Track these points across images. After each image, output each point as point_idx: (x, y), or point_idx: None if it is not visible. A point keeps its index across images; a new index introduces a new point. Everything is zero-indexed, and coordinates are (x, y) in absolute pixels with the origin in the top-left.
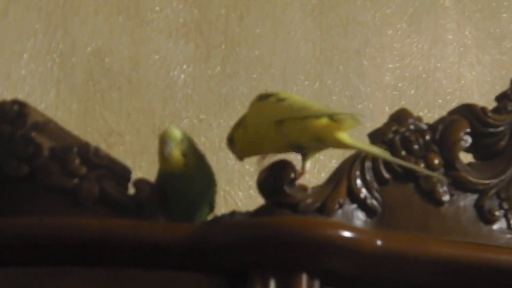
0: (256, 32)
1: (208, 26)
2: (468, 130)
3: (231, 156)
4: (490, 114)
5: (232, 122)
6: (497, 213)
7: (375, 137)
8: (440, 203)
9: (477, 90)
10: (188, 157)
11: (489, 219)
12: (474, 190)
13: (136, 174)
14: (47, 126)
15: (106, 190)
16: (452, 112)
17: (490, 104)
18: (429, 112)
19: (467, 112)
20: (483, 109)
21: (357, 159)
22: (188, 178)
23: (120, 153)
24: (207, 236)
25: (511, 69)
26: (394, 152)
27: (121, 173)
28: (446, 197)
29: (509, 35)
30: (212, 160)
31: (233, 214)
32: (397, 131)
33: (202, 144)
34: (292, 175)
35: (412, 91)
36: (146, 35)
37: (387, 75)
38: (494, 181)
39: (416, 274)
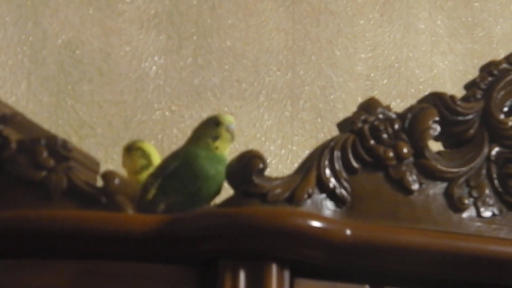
0: (228, 22)
1: (180, 17)
2: (437, 118)
3: None
4: (459, 102)
5: (204, 113)
6: (466, 201)
7: (344, 126)
8: (409, 191)
9: (450, 79)
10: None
11: (459, 207)
12: (444, 178)
13: (107, 166)
14: (14, 119)
15: (75, 182)
16: (421, 101)
17: (463, 93)
18: (402, 102)
19: (436, 100)
20: (452, 97)
21: (326, 149)
22: (224, 160)
23: (91, 145)
24: (177, 227)
25: (483, 57)
26: (363, 141)
27: (89, 165)
28: (415, 186)
29: (481, 23)
30: None
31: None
32: (366, 120)
33: (174, 136)
34: (261, 165)
35: (385, 81)
36: (117, 26)
37: (360, 64)
38: (463, 169)
39: (386, 263)
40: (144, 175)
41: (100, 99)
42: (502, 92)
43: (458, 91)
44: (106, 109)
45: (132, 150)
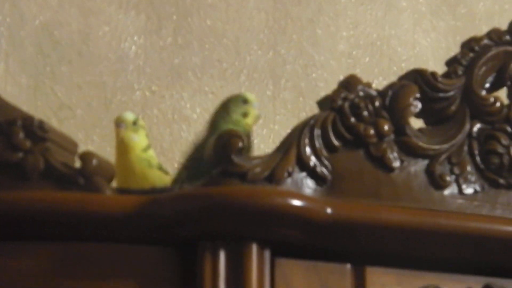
0: (208, 2)
1: None
2: (418, 95)
3: (184, 128)
4: (440, 78)
5: (185, 93)
6: (448, 178)
7: (324, 104)
8: (390, 169)
9: (432, 57)
10: None
11: (440, 185)
12: (425, 155)
13: (88, 148)
14: None
15: (52, 164)
16: (402, 78)
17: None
18: (384, 80)
19: (417, 77)
20: (433, 74)
21: (306, 127)
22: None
23: (71, 127)
24: (155, 208)
25: (465, 35)
26: (343, 118)
27: (67, 146)
28: (396, 163)
29: (463, 0)
30: (166, 132)
31: (182, 185)
32: (346, 97)
33: (155, 117)
34: (240, 144)
35: (367, 59)
36: (95, 6)
37: (342, 43)
38: (445, 146)
39: (368, 242)
40: (148, 155)
41: (80, 81)
42: (483, 68)
43: (440, 69)
44: (86, 91)
45: (139, 126)
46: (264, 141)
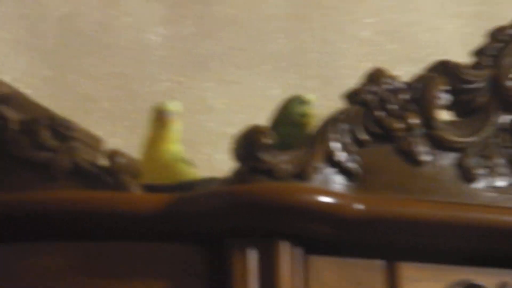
0: None
1: None
2: (445, 87)
3: (209, 118)
4: (467, 70)
5: (209, 83)
6: (478, 171)
7: (351, 97)
8: (419, 163)
9: (457, 42)
10: None
11: (470, 178)
12: (454, 148)
13: (114, 140)
14: (14, 99)
15: (79, 163)
16: (428, 69)
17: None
18: (409, 66)
19: (444, 69)
20: (460, 65)
21: (334, 121)
22: None
23: (96, 119)
24: (184, 206)
25: (491, 19)
26: (371, 112)
27: (92, 143)
28: (425, 157)
29: None
30: (192, 123)
31: (211, 181)
32: (373, 91)
33: None
34: (267, 141)
35: (391, 46)
36: None
37: (365, 30)
38: (474, 138)
39: (399, 237)
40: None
41: (104, 72)
42: (510, 58)
43: (465, 55)
44: (110, 82)
45: (175, 117)
46: None
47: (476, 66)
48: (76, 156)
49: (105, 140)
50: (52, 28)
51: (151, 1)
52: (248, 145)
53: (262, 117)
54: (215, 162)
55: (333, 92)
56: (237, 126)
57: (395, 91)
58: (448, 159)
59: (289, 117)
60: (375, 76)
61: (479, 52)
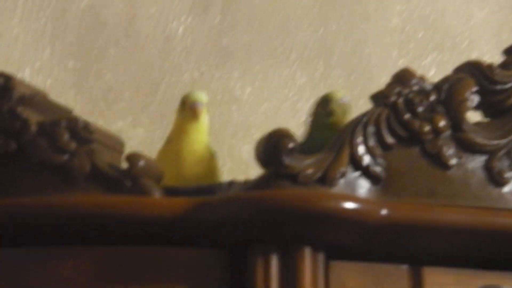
0: None
1: None
2: (474, 88)
3: (234, 109)
4: (497, 70)
5: (234, 73)
6: (507, 174)
7: (377, 99)
8: (447, 166)
9: (487, 31)
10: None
11: (499, 181)
12: (483, 151)
13: (137, 131)
14: (34, 100)
15: (98, 166)
16: (457, 70)
17: (500, 44)
18: (439, 55)
19: (473, 70)
20: (490, 66)
21: (359, 124)
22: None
23: (119, 110)
24: (204, 211)
25: None
26: (397, 115)
27: (113, 145)
28: (453, 160)
29: None
30: (215, 114)
31: (231, 184)
32: (400, 92)
33: None
34: (291, 144)
35: (420, 34)
36: None
37: (394, 18)
38: (503, 141)
39: (424, 243)
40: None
41: (127, 63)
42: None
43: (494, 43)
44: (133, 73)
45: (205, 107)
46: None
47: (506, 65)
48: (95, 158)
49: (126, 141)
50: (75, 18)
51: None
52: (272, 149)
53: (288, 108)
54: (240, 153)
55: (360, 82)
56: (262, 116)
57: (423, 93)
58: (476, 162)
59: (318, 120)
60: (402, 77)
61: (511, 51)
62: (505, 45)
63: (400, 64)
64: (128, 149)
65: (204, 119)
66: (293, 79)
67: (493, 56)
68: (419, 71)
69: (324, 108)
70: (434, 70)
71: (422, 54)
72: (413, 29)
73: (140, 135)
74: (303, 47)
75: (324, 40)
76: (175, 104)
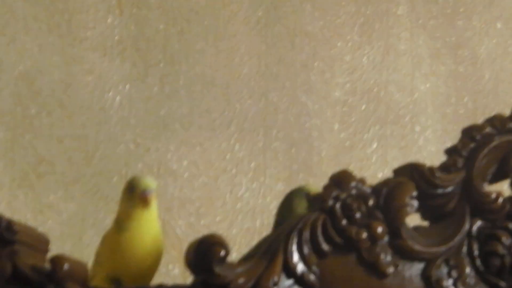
0: (197, 47)
1: (146, 43)
2: (414, 193)
3: (169, 182)
4: (438, 173)
5: (171, 145)
6: (445, 282)
7: (315, 203)
8: (384, 275)
9: (431, 103)
10: None
11: None
12: (421, 259)
13: (69, 206)
14: None
15: (20, 268)
16: (397, 172)
17: (444, 117)
18: (381, 129)
19: (413, 173)
20: (431, 169)
21: (294, 230)
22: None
23: (50, 183)
24: None
25: (467, 79)
26: (334, 221)
27: (37, 245)
28: (390, 269)
29: (464, 43)
30: None
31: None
32: (338, 197)
33: (139, 171)
34: (223, 253)
35: (363, 106)
36: (78, 54)
37: (337, 90)
38: (442, 248)
39: None
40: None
41: (60, 133)
42: (485, 160)
43: (439, 116)
44: (66, 144)
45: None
46: (254, 195)
47: (447, 167)
48: (17, 260)
49: (56, 216)
50: (8, 85)
51: (114, 59)
52: (203, 256)
53: (226, 181)
54: (175, 228)
55: (301, 155)
56: (199, 190)
57: (362, 197)
58: (414, 269)
59: (294, 212)
60: (341, 180)
61: (452, 152)
62: (449, 119)
63: (342, 137)
64: (59, 225)
65: (154, 206)
66: (232, 151)
67: (435, 131)
68: (360, 145)
69: (304, 201)
70: (375, 144)
71: (364, 128)
72: (356, 102)
73: (71, 210)
74: (243, 119)
75: (265, 112)
76: (109, 177)
